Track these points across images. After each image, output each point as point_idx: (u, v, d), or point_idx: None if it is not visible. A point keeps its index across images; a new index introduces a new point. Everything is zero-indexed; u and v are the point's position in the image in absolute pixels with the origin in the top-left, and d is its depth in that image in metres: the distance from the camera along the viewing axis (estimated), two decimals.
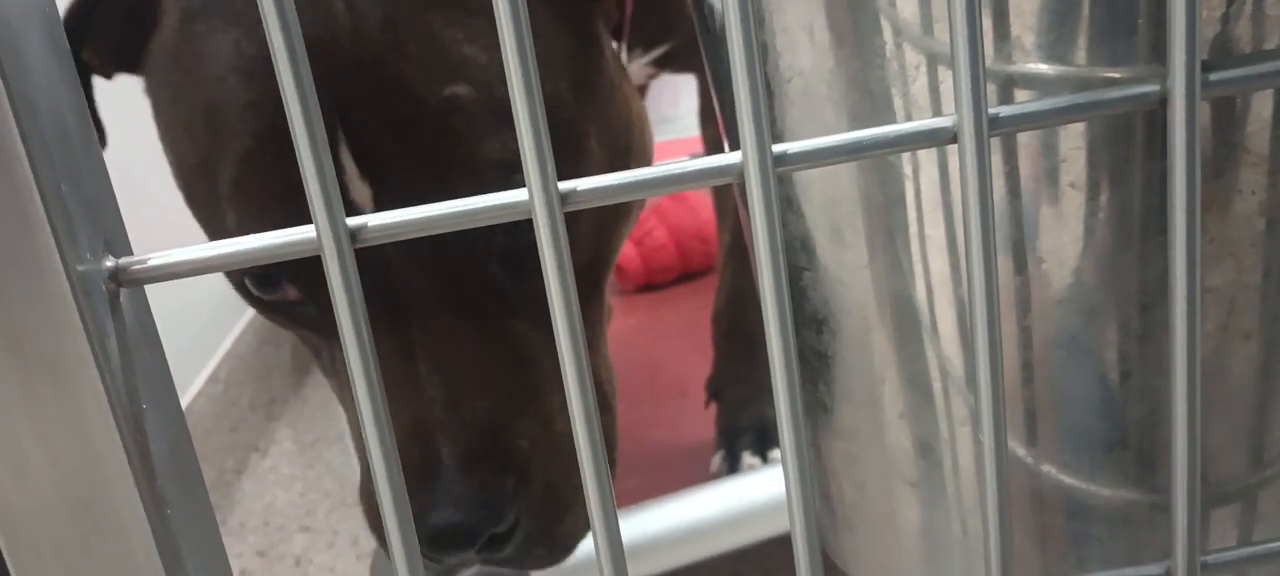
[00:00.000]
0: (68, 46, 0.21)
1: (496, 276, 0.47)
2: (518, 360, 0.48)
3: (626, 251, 1.25)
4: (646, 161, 0.55)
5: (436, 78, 0.42)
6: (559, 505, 0.49)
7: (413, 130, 0.42)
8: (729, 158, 0.21)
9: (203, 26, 0.45)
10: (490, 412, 0.46)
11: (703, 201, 1.24)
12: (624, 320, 1.20)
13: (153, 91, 0.48)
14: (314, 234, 0.21)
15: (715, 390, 0.86)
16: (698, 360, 0.90)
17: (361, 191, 0.43)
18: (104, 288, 0.21)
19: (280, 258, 0.22)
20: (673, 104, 1.74)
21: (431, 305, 0.45)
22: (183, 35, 0.46)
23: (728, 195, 0.87)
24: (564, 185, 0.21)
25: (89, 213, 0.21)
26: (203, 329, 1.31)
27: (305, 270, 0.45)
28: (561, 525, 0.49)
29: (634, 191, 0.21)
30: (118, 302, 0.22)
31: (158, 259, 0.22)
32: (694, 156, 1.48)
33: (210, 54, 0.44)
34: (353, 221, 0.21)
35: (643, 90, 1.38)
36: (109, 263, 0.22)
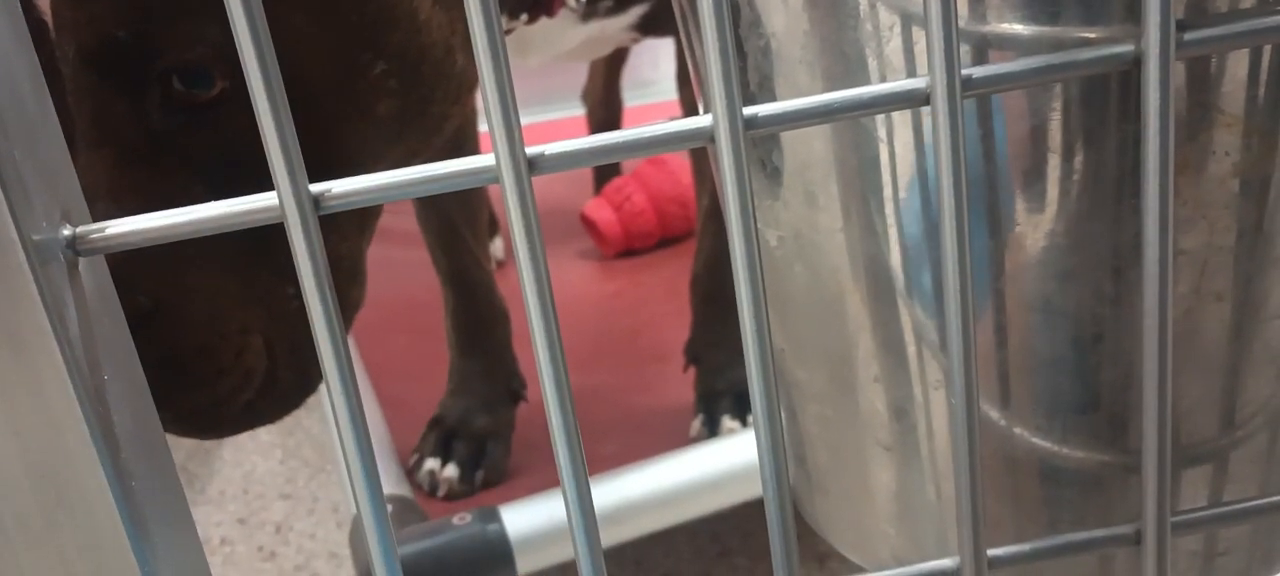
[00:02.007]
0: (19, 6, 0.20)
1: (158, 123, 0.44)
2: (164, 199, 0.44)
3: (606, 217, 1.25)
4: (437, 49, 0.50)
5: None
6: (187, 377, 0.47)
7: None
8: (700, 121, 0.20)
9: None
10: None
11: (682, 166, 1.23)
12: (604, 285, 1.20)
13: None
14: (276, 201, 0.21)
15: (694, 354, 0.86)
16: (677, 325, 0.90)
17: None
18: (62, 256, 0.21)
19: (242, 225, 0.21)
20: (652, 66, 1.73)
21: (87, 131, 0.42)
22: None
23: (706, 160, 0.87)
24: (531, 149, 0.21)
25: (45, 180, 0.21)
26: None
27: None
28: (194, 397, 0.47)
29: (606, 155, 0.21)
30: (76, 272, 0.21)
31: (116, 227, 0.21)
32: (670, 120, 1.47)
33: None
34: (315, 188, 0.21)
35: (624, 54, 1.37)
36: (66, 231, 0.21)
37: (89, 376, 0.21)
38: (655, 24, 0.80)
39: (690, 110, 0.90)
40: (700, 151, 0.87)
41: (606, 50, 1.10)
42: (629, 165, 1.34)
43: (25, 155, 0.20)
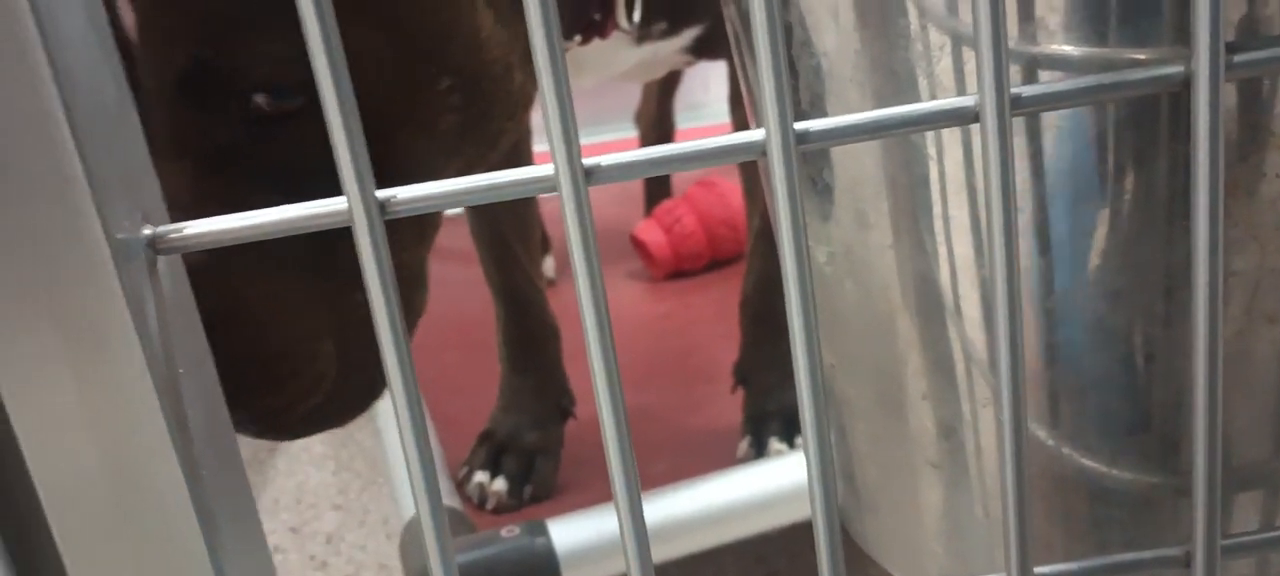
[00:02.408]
0: (106, 18, 0.22)
1: (243, 138, 0.45)
2: (239, 207, 0.46)
3: (656, 238, 1.25)
4: (499, 66, 0.51)
5: None
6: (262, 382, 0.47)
7: None
8: (753, 135, 0.21)
9: None
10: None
11: (732, 189, 1.24)
12: (653, 306, 1.20)
13: None
14: (345, 205, 0.22)
15: (742, 375, 0.86)
16: (726, 346, 0.90)
17: None
18: (142, 255, 0.22)
19: (311, 228, 0.22)
20: (703, 88, 1.74)
21: (167, 144, 0.44)
22: None
23: (757, 181, 0.87)
24: (588, 161, 0.21)
25: (127, 182, 0.22)
26: None
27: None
28: (265, 400, 0.48)
29: (661, 166, 0.21)
30: (155, 271, 0.22)
31: (193, 227, 0.22)
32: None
33: None
34: (382, 193, 0.22)
35: (677, 76, 1.38)
36: (147, 231, 0.22)
37: (166, 372, 0.22)
38: (708, 47, 0.81)
39: (742, 131, 0.91)
40: (751, 173, 0.87)
41: (660, 73, 1.11)
42: (679, 188, 1.35)
43: (110, 159, 0.21)
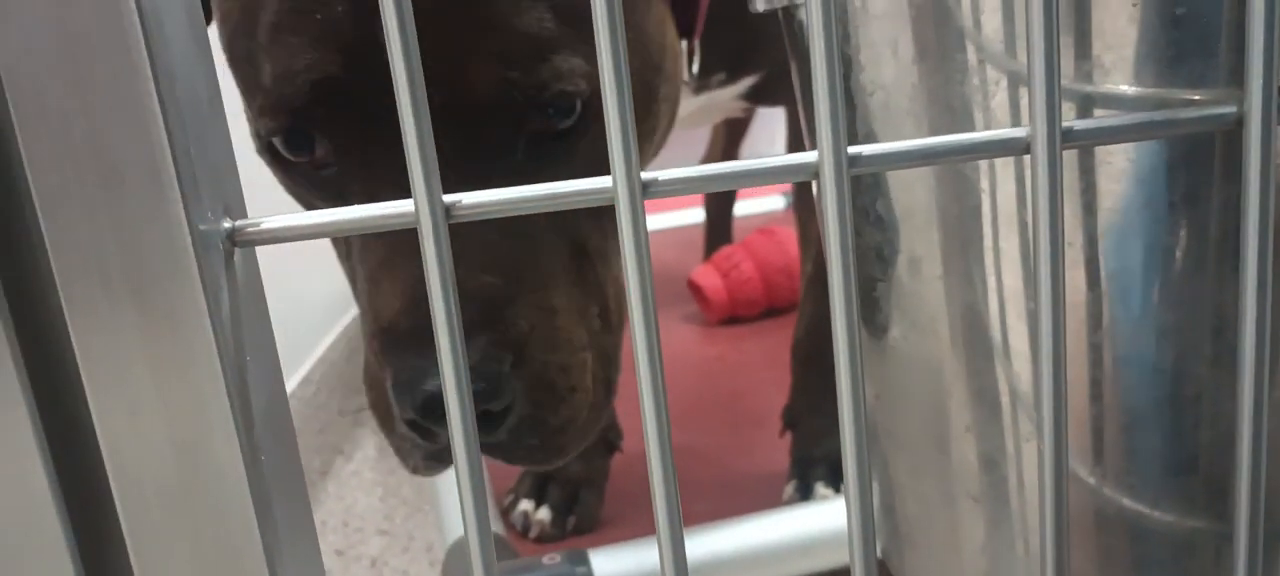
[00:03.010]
0: (204, 21, 0.23)
1: (511, 142, 0.46)
2: (528, 246, 0.47)
3: (713, 283, 1.26)
4: (675, 90, 0.53)
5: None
6: (553, 397, 0.47)
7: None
8: (807, 156, 0.21)
9: None
10: (495, 289, 0.46)
11: (790, 238, 1.24)
12: (706, 349, 1.20)
13: (221, 26, 0.49)
14: (412, 208, 0.23)
15: (791, 420, 0.86)
16: (776, 392, 0.90)
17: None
18: (221, 246, 0.23)
19: (380, 227, 0.23)
20: (770, 143, 1.76)
21: (449, 171, 0.44)
22: None
23: (812, 226, 0.87)
24: (645, 175, 0.22)
25: (213, 176, 0.23)
26: (299, 333, 1.35)
27: (336, 126, 0.44)
28: (555, 417, 0.47)
29: (713, 183, 0.22)
30: (231, 262, 0.24)
31: (271, 222, 0.24)
32: (786, 195, 1.47)
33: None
34: (448, 198, 0.23)
35: (741, 125, 1.39)
36: (227, 224, 0.24)
37: (235, 357, 0.23)
38: (764, 94, 0.82)
39: (800, 185, 0.92)
40: (807, 218, 0.87)
41: (718, 118, 1.13)
42: (740, 236, 1.36)
43: (198, 153, 0.23)
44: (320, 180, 0.48)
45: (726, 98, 0.82)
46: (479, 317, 0.45)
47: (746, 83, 0.79)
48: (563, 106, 0.45)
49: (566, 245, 0.49)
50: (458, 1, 0.42)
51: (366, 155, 0.45)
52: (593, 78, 0.43)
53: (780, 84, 0.76)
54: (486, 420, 0.46)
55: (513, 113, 0.44)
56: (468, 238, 0.44)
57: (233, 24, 0.47)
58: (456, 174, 0.44)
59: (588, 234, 0.50)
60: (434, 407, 0.44)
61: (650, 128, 0.52)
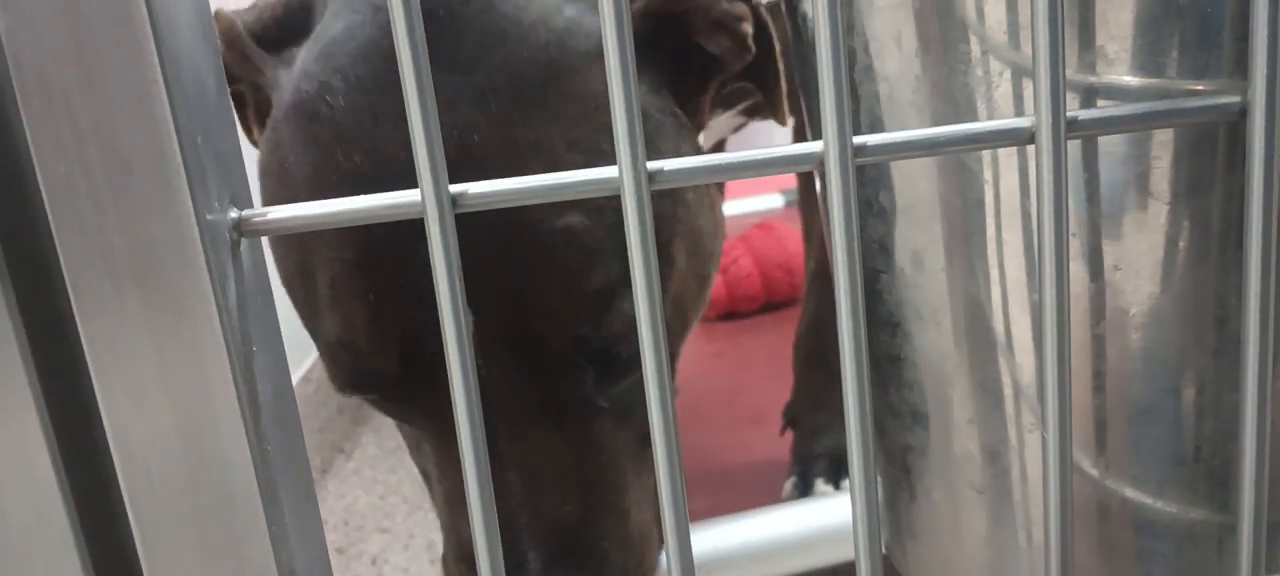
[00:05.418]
0: (210, 12, 0.23)
1: (582, 381, 0.47)
2: (599, 461, 0.49)
3: None
4: (717, 264, 0.56)
5: (555, 207, 0.43)
6: None
7: (528, 256, 0.43)
8: (811, 146, 0.21)
9: (305, 127, 0.44)
10: (572, 515, 0.48)
11: (790, 233, 1.24)
12: (705, 346, 1.21)
13: (261, 181, 0.49)
14: (418, 198, 0.23)
15: (792, 417, 0.86)
16: (776, 388, 0.90)
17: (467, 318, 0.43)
18: (227, 236, 0.23)
19: (386, 218, 0.23)
20: (768, 141, 1.76)
21: (518, 410, 0.46)
22: (287, 131, 0.45)
23: (815, 223, 0.87)
24: (652, 165, 0.22)
25: (219, 166, 0.23)
26: (300, 332, 1.36)
27: (392, 392, 0.46)
28: None
29: (719, 173, 0.22)
30: (238, 251, 0.24)
31: (276, 213, 0.24)
32: (784, 192, 1.47)
33: (309, 164, 0.44)
34: (455, 188, 0.23)
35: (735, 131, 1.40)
36: (233, 214, 0.24)
37: (242, 346, 0.23)
38: (759, 112, 0.83)
39: (805, 181, 0.92)
40: (811, 214, 0.88)
41: (713, 140, 1.14)
42: (737, 231, 1.36)
43: (205, 144, 0.23)
44: (393, 411, 0.49)
45: (724, 122, 0.83)
46: (559, 548, 0.47)
47: (741, 105, 0.80)
48: (628, 342, 0.46)
49: (632, 435, 0.50)
50: (526, 254, 0.43)
51: (429, 396, 0.46)
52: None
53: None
54: None
55: (583, 356, 0.46)
56: (541, 462, 0.46)
57: (289, 269, 0.47)
58: (538, 426, 0.45)
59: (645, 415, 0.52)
60: None
61: (702, 305, 0.54)
